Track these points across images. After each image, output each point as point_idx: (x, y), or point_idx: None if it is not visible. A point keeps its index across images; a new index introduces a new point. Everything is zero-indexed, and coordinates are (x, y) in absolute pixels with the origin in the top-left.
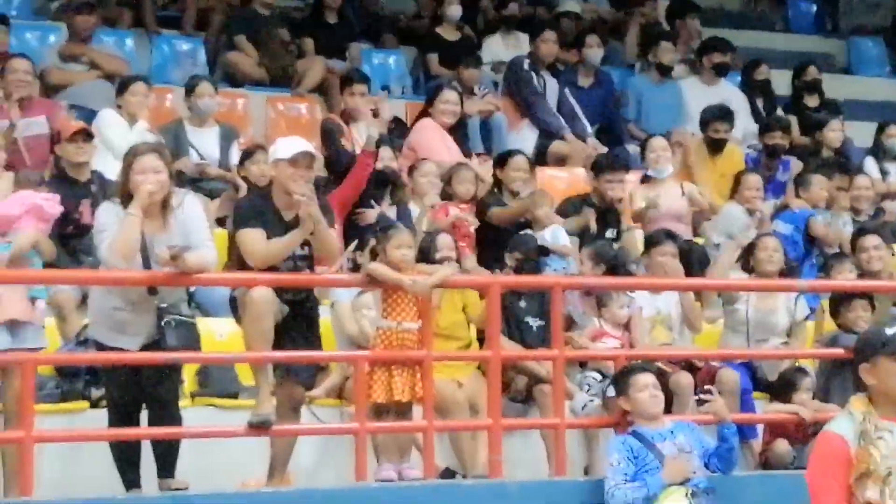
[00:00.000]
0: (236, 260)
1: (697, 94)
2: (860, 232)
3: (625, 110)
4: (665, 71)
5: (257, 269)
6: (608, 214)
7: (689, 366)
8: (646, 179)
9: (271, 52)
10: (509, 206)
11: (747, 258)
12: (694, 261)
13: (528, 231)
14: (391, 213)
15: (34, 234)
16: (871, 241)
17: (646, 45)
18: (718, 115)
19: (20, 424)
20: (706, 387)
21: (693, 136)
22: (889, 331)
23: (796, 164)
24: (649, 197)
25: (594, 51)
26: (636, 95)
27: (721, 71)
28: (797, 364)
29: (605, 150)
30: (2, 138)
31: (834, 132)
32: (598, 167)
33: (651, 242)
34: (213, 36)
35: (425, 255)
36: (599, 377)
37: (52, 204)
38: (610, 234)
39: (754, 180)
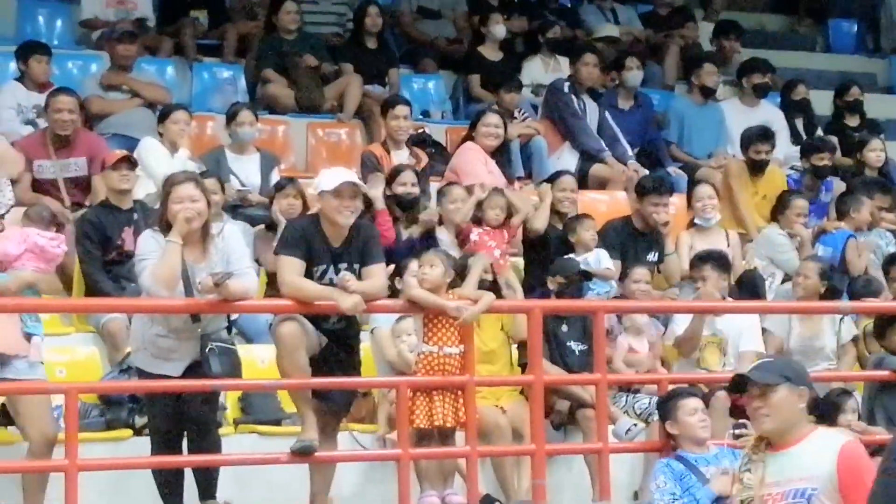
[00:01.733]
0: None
1: (738, 115)
2: (893, 259)
3: (666, 132)
4: (708, 93)
5: (284, 296)
6: (651, 238)
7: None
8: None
9: (299, 78)
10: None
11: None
12: (750, 288)
13: (572, 256)
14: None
15: (31, 276)
16: None
17: (686, 67)
18: (759, 136)
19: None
20: (741, 421)
21: (734, 157)
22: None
23: (839, 185)
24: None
25: (633, 73)
26: (677, 117)
27: (761, 92)
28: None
29: (645, 172)
30: None
31: (874, 152)
32: (642, 190)
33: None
34: (252, 63)
35: (460, 275)
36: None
37: (55, 244)
38: (652, 257)
39: (801, 204)
